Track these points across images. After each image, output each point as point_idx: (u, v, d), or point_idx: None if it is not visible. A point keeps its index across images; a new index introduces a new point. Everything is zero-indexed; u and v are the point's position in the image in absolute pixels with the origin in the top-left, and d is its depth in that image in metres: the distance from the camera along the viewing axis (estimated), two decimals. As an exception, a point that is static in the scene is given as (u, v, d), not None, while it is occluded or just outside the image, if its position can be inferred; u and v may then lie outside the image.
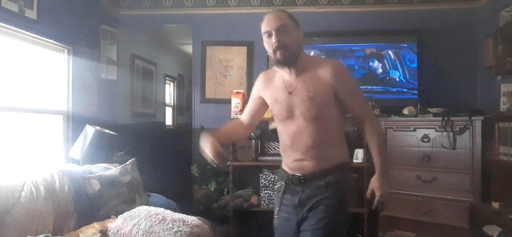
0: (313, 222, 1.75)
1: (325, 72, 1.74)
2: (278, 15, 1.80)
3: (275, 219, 1.90)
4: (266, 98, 1.94)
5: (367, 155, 3.54)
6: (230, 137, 2.18)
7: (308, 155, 1.78)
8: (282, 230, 1.88)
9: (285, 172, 1.88)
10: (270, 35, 1.77)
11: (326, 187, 1.76)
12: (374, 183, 1.87)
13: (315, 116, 1.75)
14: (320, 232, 1.72)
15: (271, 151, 3.74)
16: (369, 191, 1.90)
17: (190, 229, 2.46)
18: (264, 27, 1.80)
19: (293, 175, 1.83)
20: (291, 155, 1.83)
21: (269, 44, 1.79)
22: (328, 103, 1.76)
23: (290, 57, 1.75)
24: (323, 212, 1.74)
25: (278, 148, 3.67)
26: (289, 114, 1.81)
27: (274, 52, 1.76)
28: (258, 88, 1.98)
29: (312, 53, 3.92)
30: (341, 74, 1.76)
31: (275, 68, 1.90)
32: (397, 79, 3.81)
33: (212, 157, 1.73)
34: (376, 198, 1.85)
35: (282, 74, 1.85)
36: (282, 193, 1.86)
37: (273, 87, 1.88)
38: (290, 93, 1.80)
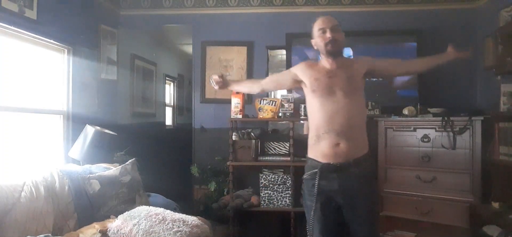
0: (358, 212, 1.99)
1: (358, 61, 2.23)
2: (331, 18, 2.20)
3: (311, 206, 2.06)
4: (304, 79, 2.22)
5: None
6: (241, 84, 2.65)
7: (344, 137, 1.99)
8: (323, 216, 2.06)
9: (318, 161, 2.05)
10: (324, 32, 2.14)
11: (363, 176, 2.00)
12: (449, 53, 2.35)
13: (352, 92, 2.06)
14: (367, 222, 1.99)
15: (271, 151, 3.74)
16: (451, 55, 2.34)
17: (190, 229, 2.46)
18: (320, 24, 2.18)
19: (329, 164, 2.00)
20: (326, 139, 2.01)
21: (322, 39, 2.14)
22: (361, 87, 2.12)
23: (337, 50, 2.15)
24: (365, 201, 1.99)
25: (278, 148, 3.69)
26: (329, 91, 2.08)
27: (326, 45, 2.13)
28: (298, 69, 2.29)
29: (312, 53, 3.93)
30: (368, 57, 2.24)
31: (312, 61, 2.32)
32: (397, 79, 3.81)
33: (215, 76, 2.34)
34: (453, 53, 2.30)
35: (323, 64, 2.19)
36: (318, 180, 2.02)
37: (314, 71, 2.19)
38: (330, 77, 2.12)
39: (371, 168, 2.11)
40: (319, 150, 2.04)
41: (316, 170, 2.03)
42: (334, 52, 2.13)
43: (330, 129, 2.00)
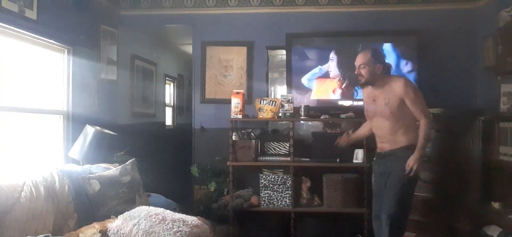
0: (389, 182, 2.69)
1: (395, 87, 2.67)
2: (362, 55, 2.77)
3: (373, 180, 2.91)
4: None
5: (367, 155, 3.55)
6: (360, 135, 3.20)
7: (387, 139, 2.75)
8: (376, 187, 2.84)
9: (377, 151, 2.87)
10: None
11: (397, 160, 2.65)
12: (412, 158, 2.58)
13: (388, 116, 2.69)
14: (390, 189, 2.66)
15: (271, 151, 3.73)
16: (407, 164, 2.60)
17: (190, 229, 2.46)
18: (355, 62, 2.81)
19: (379, 152, 2.83)
20: (379, 139, 2.84)
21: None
22: (397, 107, 2.65)
23: (365, 83, 2.79)
24: (394, 176, 2.66)
25: (278, 148, 3.70)
26: (373, 114, 2.83)
27: (357, 77, 2.82)
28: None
29: (312, 53, 3.93)
30: (405, 89, 2.64)
31: None
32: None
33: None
34: (407, 168, 2.57)
35: (370, 88, 2.83)
36: (375, 163, 2.88)
37: (365, 96, 2.90)
38: (374, 100, 2.79)
39: (406, 154, 2.62)
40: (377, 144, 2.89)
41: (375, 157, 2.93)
42: (361, 85, 2.84)
43: (378, 136, 2.87)
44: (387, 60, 2.93)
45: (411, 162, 2.57)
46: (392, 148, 2.70)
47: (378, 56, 2.79)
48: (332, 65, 3.85)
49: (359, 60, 2.77)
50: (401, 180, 2.62)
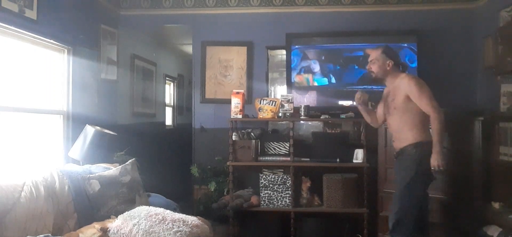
0: (396, 182, 2.71)
1: (400, 84, 2.67)
2: (374, 50, 2.80)
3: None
4: None
5: (367, 155, 3.55)
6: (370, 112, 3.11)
7: (395, 137, 2.77)
8: (396, 181, 2.76)
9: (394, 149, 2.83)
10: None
11: (404, 159, 2.64)
12: (432, 157, 2.49)
13: (393, 112, 2.70)
14: (396, 190, 2.68)
15: (271, 151, 3.73)
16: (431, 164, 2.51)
17: (190, 229, 2.46)
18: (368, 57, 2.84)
19: (396, 151, 2.77)
20: (392, 138, 2.85)
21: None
22: (401, 103, 2.63)
23: (375, 78, 2.81)
24: (398, 175, 2.70)
25: (278, 148, 3.70)
26: (386, 111, 2.83)
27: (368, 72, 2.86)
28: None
29: (312, 53, 3.93)
30: (408, 84, 2.61)
31: None
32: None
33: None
34: (431, 168, 2.50)
35: (387, 85, 2.83)
36: (396, 158, 2.79)
37: (385, 92, 2.89)
38: (386, 97, 2.81)
39: (415, 151, 2.60)
40: None
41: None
42: (373, 80, 2.88)
43: (392, 133, 2.87)
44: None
45: (433, 163, 2.49)
46: (401, 146, 2.68)
47: (390, 52, 2.78)
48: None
49: (371, 55, 2.80)
50: (404, 181, 2.60)
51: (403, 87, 2.64)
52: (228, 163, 3.69)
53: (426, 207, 2.68)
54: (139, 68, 4.82)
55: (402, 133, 2.67)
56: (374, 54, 2.77)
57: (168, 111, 6.21)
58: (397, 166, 2.74)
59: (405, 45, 3.80)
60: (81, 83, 3.48)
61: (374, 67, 2.77)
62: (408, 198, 2.59)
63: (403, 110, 2.64)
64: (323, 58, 3.91)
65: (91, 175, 2.80)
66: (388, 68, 2.73)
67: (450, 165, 3.14)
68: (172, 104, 6.40)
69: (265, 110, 3.67)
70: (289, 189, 3.60)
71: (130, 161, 3.10)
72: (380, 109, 2.94)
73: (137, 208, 2.60)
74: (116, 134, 3.30)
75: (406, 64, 2.92)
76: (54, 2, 3.10)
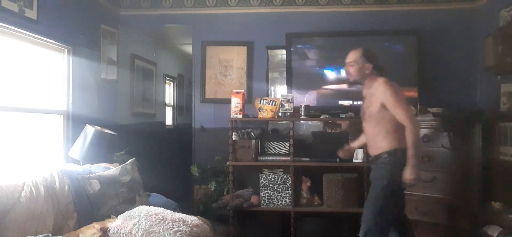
0: (369, 190, 2.62)
1: (376, 89, 2.54)
2: (353, 53, 2.66)
3: None
4: None
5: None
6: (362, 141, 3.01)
7: (370, 144, 2.67)
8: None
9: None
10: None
11: (378, 167, 2.55)
12: (406, 171, 2.42)
13: (368, 119, 2.61)
14: (368, 198, 2.59)
15: (271, 151, 3.73)
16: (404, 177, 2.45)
17: (190, 229, 2.46)
18: (346, 59, 2.70)
19: (370, 158, 2.74)
20: (367, 143, 2.73)
21: None
22: (377, 111, 2.52)
23: (353, 81, 2.69)
24: (372, 184, 2.58)
25: (278, 148, 3.69)
26: (362, 115, 2.70)
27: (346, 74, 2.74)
28: None
29: (312, 53, 3.93)
30: (384, 92, 2.49)
31: None
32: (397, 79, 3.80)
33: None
34: (404, 180, 2.43)
35: (364, 88, 2.70)
36: (371, 164, 2.72)
37: (363, 96, 2.75)
38: (364, 99, 2.71)
39: (389, 160, 2.51)
40: None
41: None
42: (351, 83, 2.73)
43: (367, 138, 2.75)
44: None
45: (407, 176, 2.42)
46: (375, 153, 2.59)
47: (369, 55, 2.64)
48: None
49: (349, 57, 2.67)
50: (375, 190, 2.53)
51: (378, 95, 2.53)
52: (228, 163, 3.69)
53: (402, 209, 2.68)
54: (139, 68, 4.82)
55: (376, 141, 2.58)
56: (353, 57, 2.64)
57: (168, 111, 6.21)
58: (372, 173, 2.65)
59: (405, 45, 3.79)
60: (81, 83, 3.48)
61: (352, 70, 2.65)
62: (379, 207, 2.49)
63: (378, 119, 2.55)
64: (323, 58, 3.91)
65: (91, 175, 2.80)
66: (366, 72, 2.61)
67: (450, 165, 3.15)
68: (172, 104, 6.40)
69: (265, 110, 3.67)
70: (289, 188, 3.60)
71: (130, 160, 3.11)
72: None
73: (137, 208, 2.60)
74: (116, 134, 3.30)
75: (383, 66, 2.69)
76: (54, 2, 3.10)
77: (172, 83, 6.36)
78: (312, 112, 3.67)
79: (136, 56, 4.71)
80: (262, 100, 3.69)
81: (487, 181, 3.06)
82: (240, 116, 3.66)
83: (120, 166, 3.01)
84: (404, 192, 2.65)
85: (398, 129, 2.49)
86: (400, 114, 2.46)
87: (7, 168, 2.69)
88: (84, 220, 2.56)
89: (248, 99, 4.01)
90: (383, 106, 2.49)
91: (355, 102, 3.74)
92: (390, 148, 2.50)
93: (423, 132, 3.26)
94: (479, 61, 3.77)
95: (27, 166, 2.85)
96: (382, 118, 2.53)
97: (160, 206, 2.72)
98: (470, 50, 3.86)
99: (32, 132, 3.01)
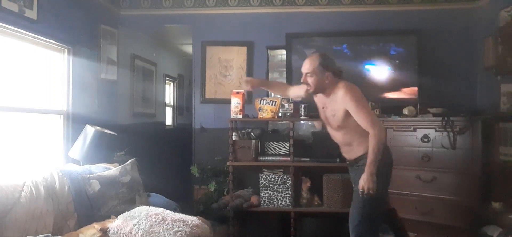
0: (354, 194, 2.51)
1: (338, 96, 2.42)
2: (310, 61, 2.48)
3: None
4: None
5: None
6: (271, 84, 3.22)
7: (345, 149, 2.59)
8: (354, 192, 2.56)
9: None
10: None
11: (359, 170, 2.41)
12: (362, 177, 2.34)
13: (337, 128, 2.51)
14: (355, 203, 2.47)
15: (271, 151, 3.73)
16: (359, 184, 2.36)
17: (190, 229, 2.46)
18: (302, 68, 2.52)
19: (347, 161, 2.64)
20: (341, 147, 2.62)
21: None
22: (343, 119, 2.43)
23: (312, 92, 2.54)
24: (356, 189, 2.41)
25: (278, 148, 3.70)
26: (326, 122, 2.63)
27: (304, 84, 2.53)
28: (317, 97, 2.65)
29: (311, 52, 3.92)
30: (345, 98, 2.39)
31: None
32: (397, 79, 3.81)
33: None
34: (359, 189, 2.34)
35: (321, 95, 2.56)
36: (350, 167, 2.63)
37: (317, 101, 2.64)
38: (323, 108, 2.58)
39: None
40: None
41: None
42: (310, 94, 2.58)
43: (339, 144, 2.66)
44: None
45: (362, 183, 2.31)
46: (353, 157, 2.51)
47: (327, 62, 2.47)
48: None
49: (306, 67, 2.47)
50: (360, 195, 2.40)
51: (340, 101, 2.41)
52: (228, 163, 3.69)
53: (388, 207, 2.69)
54: (139, 68, 4.82)
55: (352, 147, 2.49)
56: (311, 66, 2.45)
57: (168, 111, 6.21)
58: (353, 176, 2.55)
59: (405, 45, 3.79)
60: (81, 83, 3.48)
61: (311, 81, 2.46)
62: (369, 213, 2.41)
63: (349, 127, 2.44)
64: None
65: (91, 175, 2.80)
66: (326, 81, 2.45)
67: (450, 165, 3.15)
68: (172, 104, 6.40)
69: (265, 110, 3.67)
70: (289, 189, 3.60)
71: (130, 161, 3.11)
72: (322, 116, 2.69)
73: (137, 208, 2.60)
74: (116, 134, 3.30)
75: (341, 70, 2.53)
76: (54, 2, 3.10)
77: (172, 83, 6.36)
78: (312, 112, 3.67)
79: (136, 56, 4.71)
80: (262, 101, 3.69)
81: (487, 181, 3.06)
82: (240, 116, 3.66)
83: (120, 166, 3.01)
84: (388, 190, 2.58)
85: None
86: (362, 120, 2.35)
87: (7, 168, 2.69)
88: (84, 220, 2.56)
89: (248, 99, 4.01)
90: (348, 113, 2.39)
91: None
92: (367, 150, 2.38)
93: (423, 132, 3.26)
94: (479, 61, 3.77)
95: (27, 166, 2.85)
96: (351, 124, 2.42)
97: (160, 206, 2.72)
98: (470, 50, 3.86)
99: (32, 132, 3.01)
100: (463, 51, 3.89)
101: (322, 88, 2.48)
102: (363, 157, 2.40)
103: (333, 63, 2.51)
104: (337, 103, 2.43)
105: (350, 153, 2.53)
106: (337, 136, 2.57)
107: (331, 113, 2.50)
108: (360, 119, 2.36)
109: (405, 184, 3.29)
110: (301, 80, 2.52)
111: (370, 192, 2.29)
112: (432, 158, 3.22)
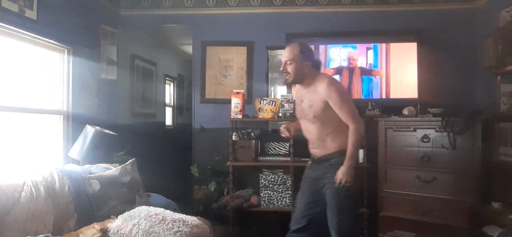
0: (328, 196, 2.41)
1: (319, 88, 2.40)
2: (290, 49, 2.46)
3: (301, 184, 2.65)
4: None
5: (367, 155, 3.55)
6: None
7: (316, 145, 2.51)
8: (302, 190, 2.61)
9: (311, 156, 2.60)
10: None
11: (331, 167, 2.39)
12: (340, 170, 2.35)
13: (313, 119, 2.45)
14: (332, 205, 2.40)
15: (271, 151, 3.73)
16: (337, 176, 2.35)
17: (190, 229, 2.46)
18: (282, 56, 2.51)
19: (312, 158, 2.57)
20: (309, 144, 2.57)
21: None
22: (321, 110, 2.40)
23: (291, 82, 2.50)
24: (331, 187, 2.38)
25: (278, 148, 3.70)
26: (301, 116, 2.55)
27: (282, 74, 2.51)
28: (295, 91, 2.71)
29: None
30: (328, 90, 2.36)
31: None
32: (397, 79, 3.81)
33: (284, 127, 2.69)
34: (336, 182, 2.34)
35: (299, 86, 2.55)
36: (309, 168, 2.61)
37: (295, 94, 2.69)
38: (301, 101, 2.53)
39: (340, 161, 2.37)
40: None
41: (309, 160, 2.67)
42: (287, 83, 2.59)
43: (308, 140, 2.61)
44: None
45: (340, 175, 2.31)
46: (324, 154, 2.46)
47: (307, 51, 2.47)
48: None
49: (286, 55, 2.45)
50: (340, 192, 2.35)
51: (321, 92, 2.38)
52: (228, 163, 3.69)
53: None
54: (139, 68, 4.82)
55: (326, 142, 2.45)
56: (291, 54, 2.43)
57: (168, 111, 6.21)
58: (322, 174, 2.46)
59: (405, 45, 3.79)
60: (81, 83, 3.48)
61: (290, 69, 2.43)
62: (351, 209, 2.42)
63: (325, 120, 2.41)
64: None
65: (91, 175, 2.80)
66: (306, 70, 2.44)
67: (450, 165, 3.15)
68: (172, 104, 6.41)
69: (265, 110, 3.67)
70: (289, 189, 3.60)
71: (130, 161, 3.10)
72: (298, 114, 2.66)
73: (137, 208, 2.60)
74: (116, 134, 3.29)
75: (320, 62, 2.55)
76: (54, 2, 3.10)
77: (172, 84, 6.36)
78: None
79: (136, 56, 4.71)
80: (262, 101, 3.69)
81: (487, 181, 3.06)
82: (240, 116, 3.66)
83: (120, 166, 3.01)
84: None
85: (346, 129, 2.39)
86: (344, 113, 2.36)
87: (7, 168, 2.69)
88: (84, 220, 2.55)
89: (248, 99, 4.01)
90: (327, 105, 2.37)
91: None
92: (341, 147, 2.40)
93: (423, 132, 3.26)
94: (479, 61, 3.77)
95: (27, 166, 2.86)
96: (330, 119, 2.40)
97: (160, 206, 2.72)
98: (470, 50, 3.86)
99: (32, 132, 3.01)
100: (463, 51, 3.89)
101: (301, 78, 2.46)
102: (336, 155, 2.39)
103: (313, 53, 2.52)
104: (317, 94, 2.39)
105: (322, 148, 2.47)
106: (311, 130, 2.49)
107: (308, 103, 2.45)
108: (343, 112, 2.36)
109: (405, 184, 3.30)
110: (280, 69, 2.49)
111: (347, 184, 2.31)
112: (432, 158, 3.22)
